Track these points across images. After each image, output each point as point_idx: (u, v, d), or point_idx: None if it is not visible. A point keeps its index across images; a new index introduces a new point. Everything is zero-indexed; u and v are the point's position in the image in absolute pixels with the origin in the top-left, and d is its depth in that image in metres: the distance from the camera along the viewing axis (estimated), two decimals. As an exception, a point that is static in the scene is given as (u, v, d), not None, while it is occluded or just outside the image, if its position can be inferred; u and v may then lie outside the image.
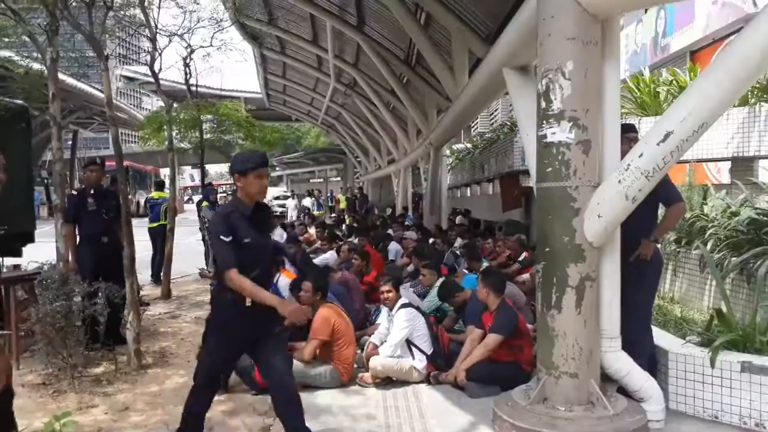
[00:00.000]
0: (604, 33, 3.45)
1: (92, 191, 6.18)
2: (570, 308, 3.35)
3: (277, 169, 56.51)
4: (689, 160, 6.85)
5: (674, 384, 3.82)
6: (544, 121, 3.40)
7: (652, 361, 3.99)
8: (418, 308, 5.07)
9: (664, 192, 3.86)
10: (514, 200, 10.24)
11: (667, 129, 3.10)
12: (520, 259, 7.01)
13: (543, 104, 3.41)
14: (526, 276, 6.34)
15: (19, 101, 9.79)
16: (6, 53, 11.85)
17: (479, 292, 4.60)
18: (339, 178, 48.28)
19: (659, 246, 4.36)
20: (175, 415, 4.29)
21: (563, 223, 3.35)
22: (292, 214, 24.82)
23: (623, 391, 3.66)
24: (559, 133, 3.33)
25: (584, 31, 3.28)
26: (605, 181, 3.38)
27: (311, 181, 53.95)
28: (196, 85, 12.42)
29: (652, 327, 4.23)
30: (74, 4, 6.77)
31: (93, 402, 4.52)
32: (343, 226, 16.45)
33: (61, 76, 7.19)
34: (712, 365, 3.62)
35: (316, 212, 24.12)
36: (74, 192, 6.15)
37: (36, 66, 10.65)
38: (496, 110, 15.77)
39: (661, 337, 4.23)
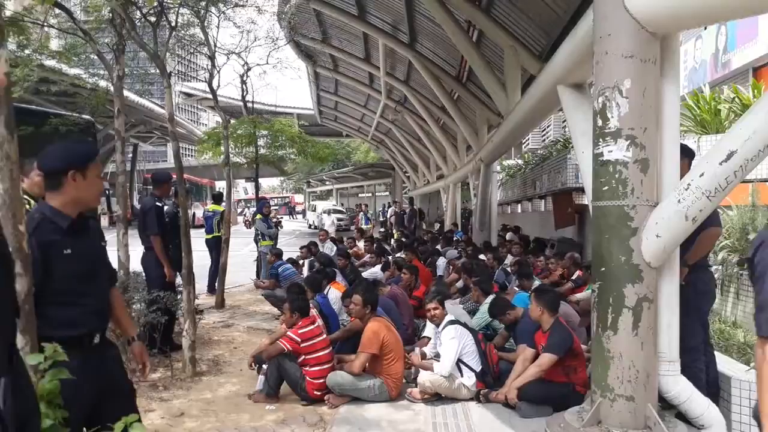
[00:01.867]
0: (663, 50, 3.39)
1: (163, 204, 6.46)
2: (626, 329, 3.28)
3: (327, 183, 57.30)
4: (752, 179, 6.60)
5: (738, 412, 3.67)
6: (601, 140, 3.37)
7: (714, 387, 3.85)
8: (465, 325, 5.05)
9: None
10: (567, 217, 10.05)
11: (731, 148, 3.02)
12: (574, 277, 6.88)
13: (599, 122, 3.37)
14: (580, 295, 6.22)
15: (86, 116, 10.28)
16: (76, 71, 12.47)
17: (533, 310, 4.54)
18: (387, 193, 48.50)
19: (712, 269, 4.23)
20: (227, 422, 4.41)
21: (620, 242, 3.29)
22: (329, 230, 25.05)
23: (683, 417, 3.55)
24: (616, 151, 3.29)
25: (643, 48, 3.24)
26: (664, 201, 3.31)
27: (360, 195, 54.42)
28: (252, 102, 12.78)
29: (715, 353, 4.09)
30: (140, 24, 7.13)
31: (150, 407, 4.67)
32: (392, 241, 16.53)
33: (125, 92, 7.54)
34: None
35: (364, 226, 24.31)
36: (158, 204, 6.37)
37: (102, 83, 11.17)
38: (548, 126, 15.58)
39: (723, 362, 4.08)
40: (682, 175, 3.45)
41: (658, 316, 3.40)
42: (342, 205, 45.29)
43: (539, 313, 4.47)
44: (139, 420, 1.81)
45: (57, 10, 8.53)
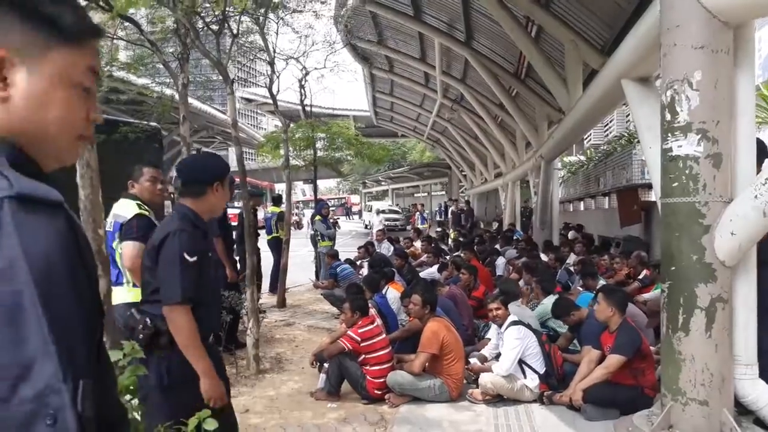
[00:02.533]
0: (736, 40, 3.24)
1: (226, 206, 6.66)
2: (699, 331, 3.15)
3: (383, 183, 57.55)
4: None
5: (822, 420, 3.46)
6: (670, 134, 3.25)
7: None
8: (528, 326, 4.97)
9: None
10: (633, 215, 9.72)
11: (812, 140, 2.85)
12: (641, 277, 6.65)
13: (668, 116, 3.25)
14: (647, 295, 6.01)
15: (153, 123, 10.71)
16: (143, 80, 13.02)
17: (603, 310, 4.39)
18: (443, 192, 48.25)
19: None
20: (290, 420, 4.50)
21: (691, 240, 3.17)
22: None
23: (761, 424, 3.37)
24: (686, 146, 3.17)
25: (714, 39, 3.11)
26: (739, 197, 3.16)
27: (416, 195, 54.36)
28: (311, 105, 12.98)
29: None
30: (202, 33, 7.38)
31: (217, 403, 4.82)
32: (449, 240, 16.44)
33: (188, 99, 7.80)
34: None
35: (420, 226, 24.26)
36: None
37: (167, 91, 11.60)
38: (611, 121, 15.07)
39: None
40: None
41: (733, 318, 3.25)
42: (398, 205, 45.34)
43: (610, 313, 4.33)
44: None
45: (126, 23, 8.93)
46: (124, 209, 3.53)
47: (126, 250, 3.41)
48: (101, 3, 7.69)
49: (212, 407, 2.17)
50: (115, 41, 9.93)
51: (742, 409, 3.38)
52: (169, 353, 2.32)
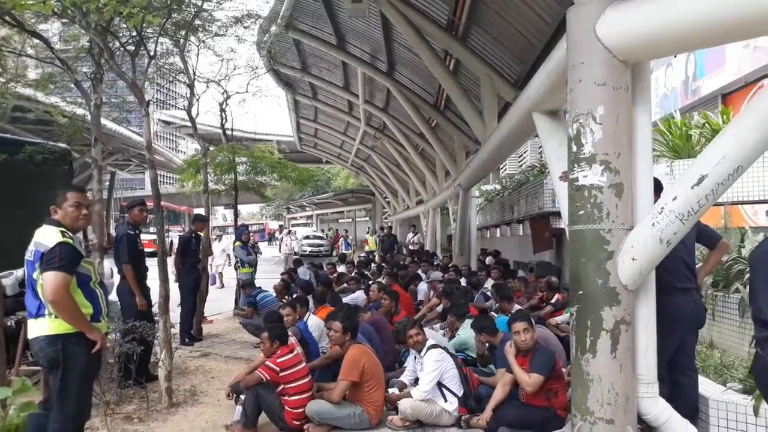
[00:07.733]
0: (634, 78, 3.49)
1: (139, 231, 6.35)
2: (605, 352, 3.31)
3: (307, 209, 57.18)
4: (724, 202, 6.76)
5: (716, 433, 3.70)
6: (576, 165, 3.43)
7: (692, 408, 3.88)
8: (446, 349, 5.03)
9: (705, 234, 4.26)
10: (545, 241, 10.15)
11: (701, 173, 3.09)
12: (553, 301, 6.93)
13: (574, 148, 3.44)
14: (559, 318, 6.26)
15: (62, 145, 10.16)
16: (53, 99, 12.37)
17: (529, 336, 4.47)
18: (367, 218, 48.53)
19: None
20: (205, 455, 4.31)
21: (597, 265, 3.34)
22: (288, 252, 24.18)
23: (662, 439, 3.56)
24: (591, 176, 3.35)
25: (614, 76, 3.33)
26: (639, 224, 3.37)
27: (340, 221, 54.35)
28: (232, 129, 12.76)
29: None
30: (118, 53, 7.13)
31: (125, 440, 4.56)
32: (372, 266, 16.48)
33: (102, 120, 7.47)
34: (756, 413, 3.50)
35: (345, 251, 24.24)
36: (129, 232, 6.23)
37: (79, 111, 11.07)
38: (525, 152, 15.76)
39: (701, 383, 4.12)
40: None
41: (635, 339, 3.44)
42: (323, 231, 45.19)
43: (531, 336, 4.43)
44: None
45: (35, 40, 8.48)
46: (46, 237, 3.28)
47: (48, 281, 3.15)
48: (7, 18, 7.29)
49: None
50: (23, 58, 9.40)
51: (645, 426, 3.56)
52: None
